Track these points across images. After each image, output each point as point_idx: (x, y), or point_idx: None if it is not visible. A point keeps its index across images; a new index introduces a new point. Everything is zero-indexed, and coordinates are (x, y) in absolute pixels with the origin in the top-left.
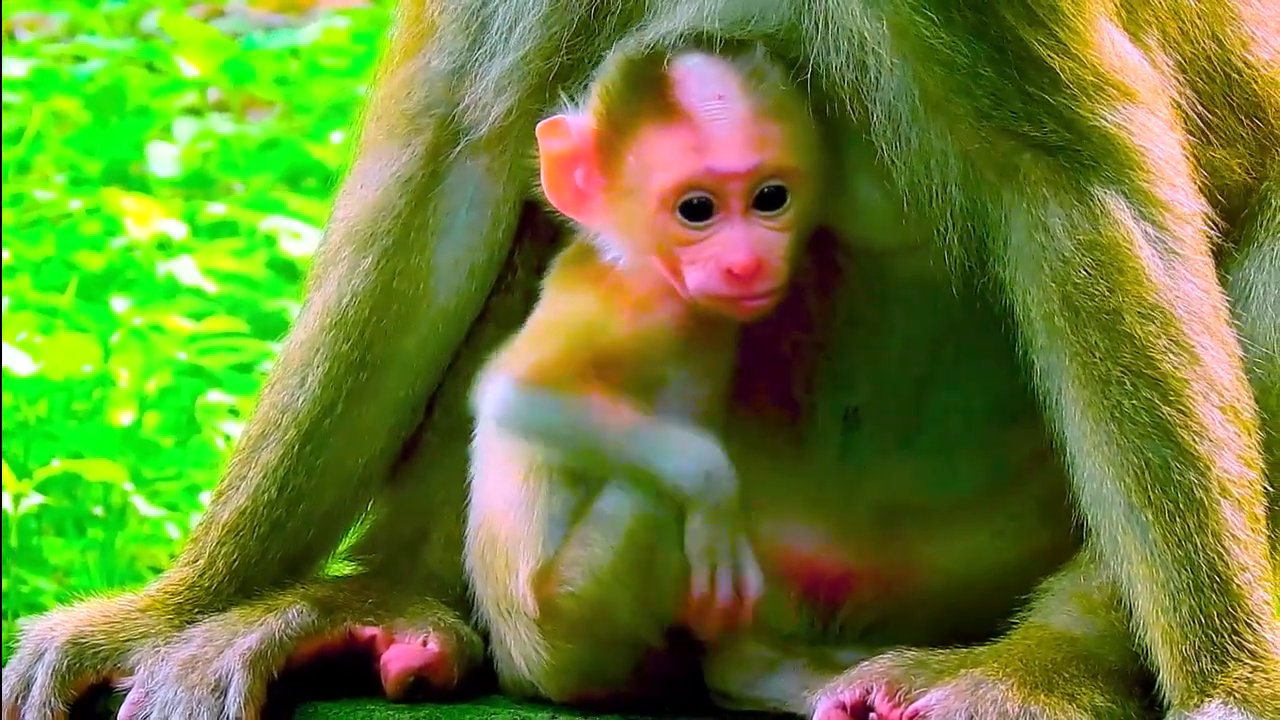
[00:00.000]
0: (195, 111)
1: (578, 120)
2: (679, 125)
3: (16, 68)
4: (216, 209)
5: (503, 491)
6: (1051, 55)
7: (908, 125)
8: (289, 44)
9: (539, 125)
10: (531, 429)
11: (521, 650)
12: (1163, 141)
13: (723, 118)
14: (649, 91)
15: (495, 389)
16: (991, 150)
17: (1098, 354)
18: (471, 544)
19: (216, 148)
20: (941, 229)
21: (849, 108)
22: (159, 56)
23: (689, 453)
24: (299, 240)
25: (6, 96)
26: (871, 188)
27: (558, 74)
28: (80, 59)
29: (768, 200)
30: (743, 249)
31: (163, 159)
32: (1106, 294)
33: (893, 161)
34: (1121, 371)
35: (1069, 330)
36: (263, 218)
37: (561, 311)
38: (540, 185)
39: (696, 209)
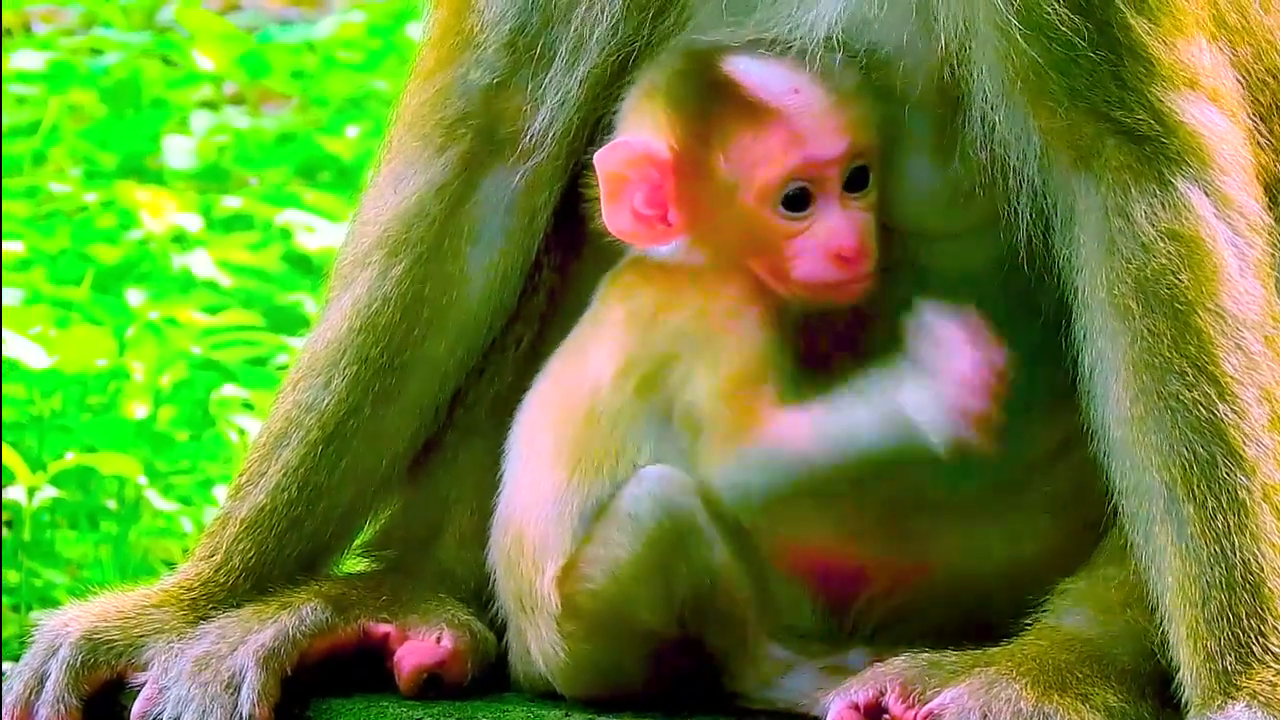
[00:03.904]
0: (211, 105)
1: (643, 139)
2: (769, 121)
3: (32, 60)
4: (232, 202)
5: (539, 489)
6: (1151, 44)
7: (995, 101)
8: (305, 38)
9: (598, 153)
10: (764, 492)
11: (540, 647)
12: (1243, 150)
13: (809, 108)
14: (724, 95)
15: (721, 477)
16: (1074, 132)
17: (1164, 342)
18: (497, 538)
19: (232, 141)
20: (1011, 207)
21: (924, 86)
22: (175, 50)
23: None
24: (314, 234)
25: (22, 89)
26: (929, 171)
27: (604, 89)
28: (96, 52)
29: (854, 182)
30: (848, 231)
31: (178, 152)
32: (1183, 284)
33: (974, 140)
34: (1184, 362)
35: (1138, 315)
36: (278, 211)
37: (692, 360)
38: (598, 214)
39: (796, 200)
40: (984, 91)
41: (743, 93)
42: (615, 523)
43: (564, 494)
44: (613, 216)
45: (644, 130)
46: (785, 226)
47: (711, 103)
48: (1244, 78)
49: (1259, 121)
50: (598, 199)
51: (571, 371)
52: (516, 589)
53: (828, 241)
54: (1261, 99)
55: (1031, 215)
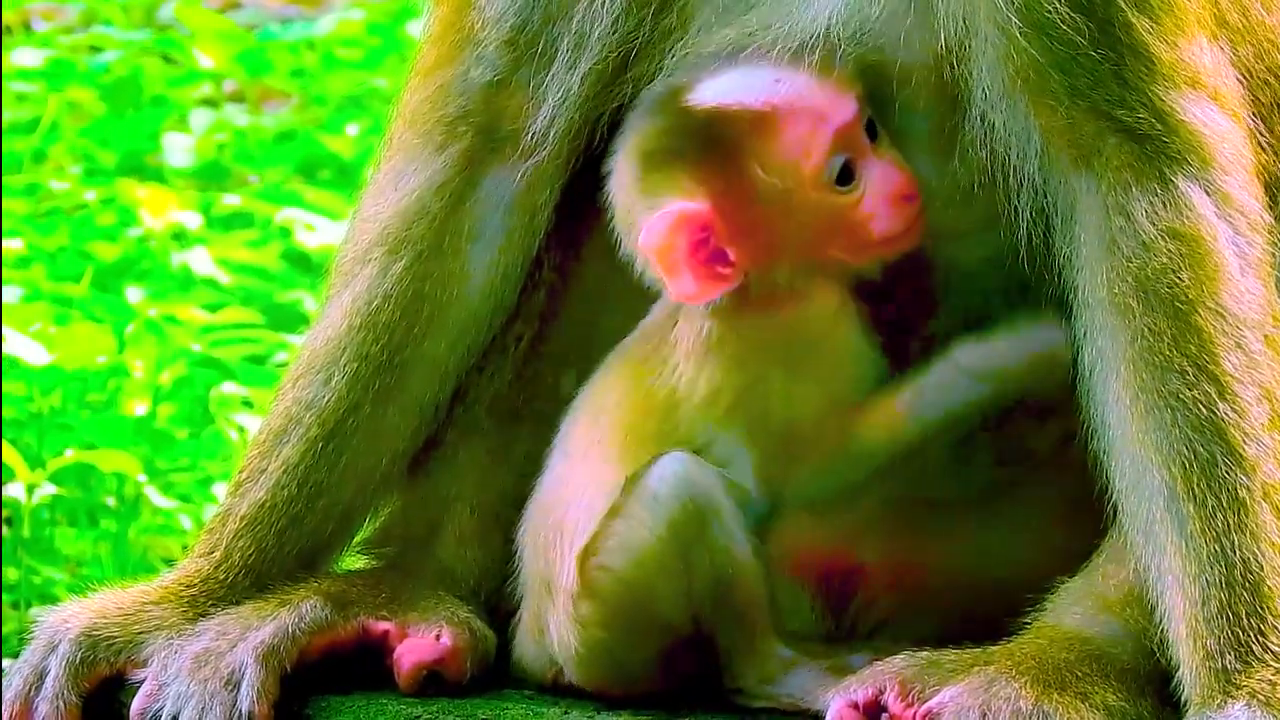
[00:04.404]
0: (211, 103)
1: (672, 204)
2: (779, 119)
3: (32, 58)
4: (231, 200)
5: (593, 482)
6: (1152, 43)
7: (995, 100)
8: (305, 36)
9: (640, 241)
10: (846, 488)
11: (558, 632)
12: (1244, 150)
13: (800, 88)
14: (722, 123)
15: (809, 483)
16: (1075, 130)
17: (1164, 341)
18: (532, 520)
19: (232, 139)
20: (1011, 206)
21: (923, 84)
22: (175, 47)
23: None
24: (314, 232)
25: (22, 86)
26: (929, 170)
27: (605, 86)
28: (96, 49)
29: (869, 135)
30: (895, 173)
31: (178, 150)
32: (1184, 283)
33: (974, 138)
34: (1185, 361)
35: (1138, 313)
36: (277, 209)
37: (793, 376)
38: (664, 289)
39: (845, 173)
40: (984, 90)
41: (741, 110)
42: (638, 499)
43: (617, 480)
44: (677, 286)
45: (665, 197)
46: (847, 199)
47: (718, 133)
48: (1245, 77)
49: (1260, 121)
50: (658, 277)
51: (645, 375)
52: (545, 571)
53: (887, 189)
54: (1262, 98)
55: (1032, 214)
